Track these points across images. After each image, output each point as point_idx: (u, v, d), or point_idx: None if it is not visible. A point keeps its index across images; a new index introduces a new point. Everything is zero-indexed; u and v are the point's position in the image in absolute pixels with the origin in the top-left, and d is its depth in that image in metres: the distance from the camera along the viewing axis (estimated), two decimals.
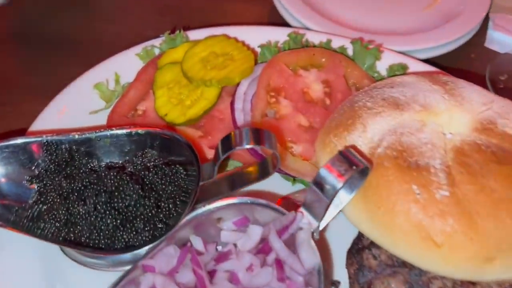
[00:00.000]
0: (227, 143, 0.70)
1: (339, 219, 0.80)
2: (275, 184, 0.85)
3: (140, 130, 0.79)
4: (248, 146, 0.69)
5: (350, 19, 1.13)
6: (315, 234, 0.69)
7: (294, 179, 0.86)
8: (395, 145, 0.72)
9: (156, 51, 1.01)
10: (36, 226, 0.74)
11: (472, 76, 0.90)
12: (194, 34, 1.02)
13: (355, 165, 0.66)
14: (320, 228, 0.70)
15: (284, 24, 1.14)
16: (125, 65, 0.99)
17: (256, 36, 1.00)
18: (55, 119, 0.92)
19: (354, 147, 0.72)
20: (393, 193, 0.68)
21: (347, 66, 0.95)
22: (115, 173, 0.73)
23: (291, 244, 0.69)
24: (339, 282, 0.79)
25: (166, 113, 0.89)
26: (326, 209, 0.68)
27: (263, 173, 0.77)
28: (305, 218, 0.69)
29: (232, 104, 0.89)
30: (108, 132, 0.78)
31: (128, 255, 0.74)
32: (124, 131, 0.78)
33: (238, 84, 0.91)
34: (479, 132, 0.73)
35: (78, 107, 0.94)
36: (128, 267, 0.75)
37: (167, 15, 1.24)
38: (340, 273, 0.78)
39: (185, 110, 0.89)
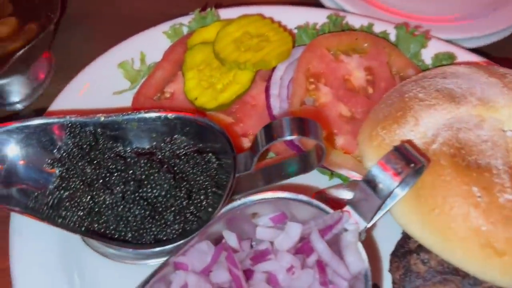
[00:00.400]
0: (269, 133, 0.64)
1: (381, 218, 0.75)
2: (310, 177, 0.79)
3: (170, 115, 0.73)
4: (292, 137, 0.63)
5: (391, 3, 1.05)
6: (362, 235, 0.64)
7: (332, 174, 0.80)
8: (451, 141, 0.65)
9: (185, 30, 0.94)
10: (56, 214, 0.69)
11: None
12: (226, 13, 0.95)
13: (412, 163, 0.60)
14: (368, 227, 0.64)
15: (318, 5, 1.07)
16: (152, 43, 0.93)
17: (293, 17, 0.93)
18: (76, 99, 0.86)
19: (409, 142, 0.66)
20: (451, 195, 0.62)
21: (391, 53, 0.88)
22: (145, 161, 0.68)
23: (334, 245, 0.64)
24: (378, 287, 0.73)
25: (196, 97, 0.82)
26: (377, 210, 0.62)
27: (305, 167, 0.71)
28: (351, 218, 0.64)
29: (267, 89, 0.83)
30: (136, 115, 0.72)
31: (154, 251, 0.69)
32: (153, 114, 0.72)
33: (273, 68, 0.85)
34: None
35: (100, 86, 0.88)
36: (152, 261, 0.71)
37: None
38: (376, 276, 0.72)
39: (216, 94, 0.83)
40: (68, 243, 0.73)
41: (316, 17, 0.94)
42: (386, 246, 0.73)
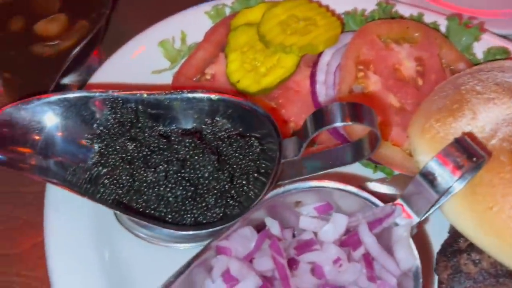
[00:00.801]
0: (320, 118, 0.61)
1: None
2: (352, 169, 0.76)
3: (213, 96, 0.70)
4: (344, 123, 0.60)
5: None
6: (413, 230, 0.61)
7: (376, 166, 0.77)
8: None
9: (227, 11, 0.92)
10: (94, 190, 0.67)
11: None
12: None
13: (474, 157, 0.56)
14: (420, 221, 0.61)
15: None
16: (193, 23, 0.90)
17: (340, 1, 0.90)
18: (115, 75, 0.84)
19: (470, 135, 0.62)
20: (510, 193, 0.59)
21: (442, 45, 0.84)
22: (189, 140, 0.65)
23: (382, 240, 0.61)
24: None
25: (238, 80, 0.80)
26: (432, 205, 0.59)
27: (357, 156, 0.68)
28: (404, 213, 0.60)
29: (312, 75, 0.80)
30: (179, 95, 0.70)
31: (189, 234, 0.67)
32: (196, 95, 0.70)
33: (319, 54, 0.82)
34: None
35: (140, 64, 0.86)
36: (185, 245, 0.69)
37: None
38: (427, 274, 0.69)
39: (259, 78, 0.80)
40: (102, 220, 0.72)
41: (364, 3, 0.90)
42: (431, 244, 0.70)
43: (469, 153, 0.57)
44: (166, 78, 0.86)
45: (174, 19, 0.91)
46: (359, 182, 0.75)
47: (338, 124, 0.60)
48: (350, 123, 0.60)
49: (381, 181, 0.76)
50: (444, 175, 0.56)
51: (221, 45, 0.87)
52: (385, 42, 0.82)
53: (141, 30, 0.90)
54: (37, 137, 0.67)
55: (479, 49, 0.88)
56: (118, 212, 0.71)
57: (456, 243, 0.66)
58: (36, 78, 0.82)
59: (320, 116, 0.61)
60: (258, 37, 0.83)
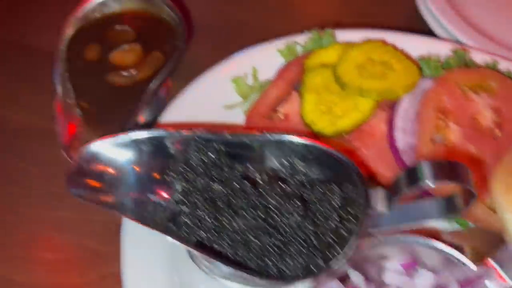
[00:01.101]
0: (414, 176, 0.60)
1: None
2: None
3: (299, 140, 0.69)
4: (442, 183, 0.59)
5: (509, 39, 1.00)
6: None
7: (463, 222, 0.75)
8: None
9: (299, 49, 0.92)
10: (174, 228, 0.67)
11: None
12: (343, 35, 0.92)
13: None
14: None
15: (428, 32, 1.02)
16: (264, 59, 0.91)
17: (414, 46, 0.89)
18: (188, 108, 0.85)
19: None
20: None
21: None
22: (276, 186, 0.65)
23: None
24: None
25: (313, 121, 0.80)
26: None
27: (447, 211, 0.66)
28: (497, 276, 0.59)
29: (390, 121, 0.79)
30: (264, 138, 0.70)
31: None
32: (282, 138, 0.69)
33: (396, 99, 0.81)
34: None
35: (212, 98, 0.87)
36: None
37: (297, 11, 1.14)
38: None
39: (335, 120, 0.80)
40: (177, 256, 0.72)
41: (438, 48, 0.90)
42: None
43: None
44: (238, 113, 0.87)
45: (246, 54, 0.91)
46: (432, 233, 0.74)
47: (435, 184, 0.59)
48: (448, 183, 0.59)
49: (457, 234, 0.75)
50: None
51: (293, 83, 0.87)
52: (463, 91, 0.81)
53: (213, 64, 0.90)
54: (116, 173, 0.67)
55: None
56: (192, 251, 0.71)
57: None
58: (113, 107, 0.83)
59: (415, 174, 0.60)
60: (333, 79, 0.83)
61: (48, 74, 0.91)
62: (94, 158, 0.67)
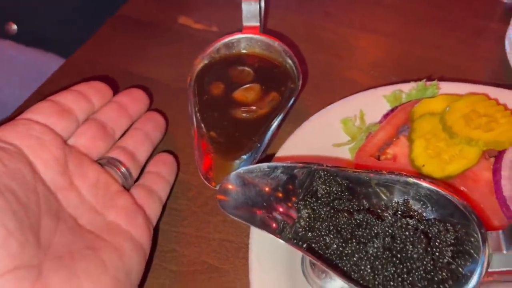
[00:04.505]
0: None
1: None
2: None
3: (424, 183, 0.76)
4: None
5: None
6: None
7: None
8: None
9: (403, 96, 1.00)
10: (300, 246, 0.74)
11: None
12: (446, 87, 1.00)
13: None
14: None
15: None
16: (371, 104, 0.99)
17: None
18: (300, 146, 0.93)
19: None
20: None
21: None
22: (397, 217, 0.72)
23: None
24: None
25: (423, 164, 0.87)
26: None
27: None
28: None
29: (496, 170, 0.85)
30: (385, 177, 0.77)
31: None
32: (407, 179, 0.76)
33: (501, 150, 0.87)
34: None
35: (322, 137, 0.95)
36: None
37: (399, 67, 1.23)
38: None
39: (443, 165, 0.86)
40: (294, 275, 0.79)
41: None
42: None
43: None
44: (345, 151, 0.95)
45: (354, 98, 1.00)
46: None
47: None
48: None
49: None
50: None
51: (399, 128, 0.94)
52: None
53: (319, 108, 0.99)
54: (250, 193, 0.76)
55: None
56: (307, 271, 0.78)
57: None
58: (237, 137, 0.93)
59: None
60: (441, 127, 0.90)
61: (169, 106, 1.02)
62: (233, 182, 0.76)
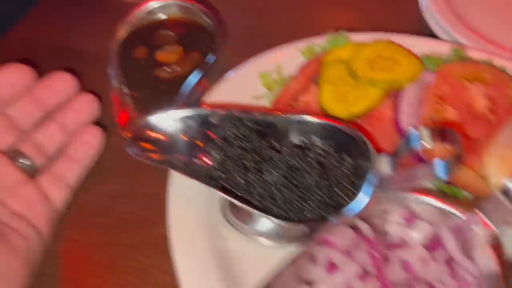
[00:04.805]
0: (412, 139, 0.73)
1: None
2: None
3: (318, 120, 0.83)
4: (434, 145, 0.71)
5: (503, 40, 1.13)
6: (492, 241, 0.70)
7: (449, 188, 0.87)
8: None
9: (317, 49, 1.06)
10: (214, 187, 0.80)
11: None
12: (356, 37, 1.06)
13: None
14: (498, 236, 0.71)
15: (432, 35, 1.16)
16: (287, 58, 1.05)
17: (419, 46, 1.02)
18: (220, 99, 0.99)
19: None
20: None
21: (511, 86, 0.95)
22: (295, 150, 0.78)
23: (464, 249, 0.70)
24: None
25: (330, 107, 0.93)
26: (508, 217, 0.69)
27: (440, 174, 0.78)
28: (482, 222, 0.70)
29: (396, 106, 0.92)
30: (288, 117, 0.83)
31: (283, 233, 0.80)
32: (303, 118, 0.83)
33: (402, 88, 0.94)
34: None
35: (241, 91, 1.01)
36: (285, 243, 0.80)
37: (314, 20, 1.29)
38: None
39: (349, 106, 0.93)
40: (214, 218, 0.85)
41: (439, 48, 1.03)
42: None
43: None
44: (264, 103, 1.01)
45: (271, 54, 1.06)
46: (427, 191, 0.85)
47: (429, 145, 0.72)
48: (440, 144, 0.71)
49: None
50: None
51: (312, 78, 1.01)
52: (460, 81, 0.93)
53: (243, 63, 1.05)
54: (168, 139, 0.82)
55: None
56: (225, 212, 0.85)
57: None
58: (158, 96, 0.98)
59: (413, 138, 0.73)
60: (347, 72, 0.96)
61: (98, 74, 1.06)
62: (149, 128, 0.82)
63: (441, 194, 0.83)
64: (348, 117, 0.92)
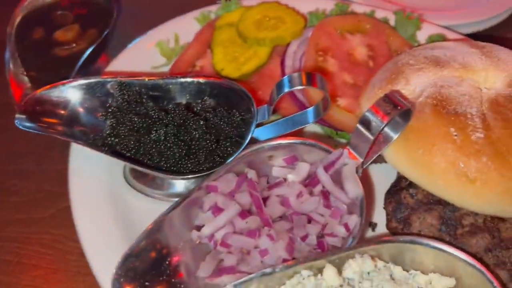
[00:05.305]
0: (282, 85, 0.79)
1: (378, 170, 0.89)
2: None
3: (201, 80, 0.88)
4: (301, 87, 0.77)
5: None
6: (359, 170, 0.77)
7: (337, 133, 0.94)
8: (435, 95, 0.79)
9: (212, 16, 1.10)
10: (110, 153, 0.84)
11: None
12: (248, 2, 1.10)
13: (398, 106, 0.73)
14: (364, 166, 0.77)
15: None
16: (184, 27, 1.09)
17: (305, 4, 1.08)
18: (122, 70, 1.02)
19: (398, 91, 0.79)
20: (432, 135, 0.75)
21: (390, 34, 1.02)
22: (182, 109, 0.83)
23: (337, 180, 0.77)
24: (375, 224, 0.86)
25: (222, 68, 0.98)
26: (370, 147, 0.76)
27: (315, 115, 0.85)
28: (350, 155, 0.77)
29: (282, 62, 0.97)
30: (174, 79, 0.87)
31: (182, 189, 0.85)
32: (188, 79, 0.87)
33: (288, 45, 1.00)
34: None
35: (141, 61, 1.04)
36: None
37: None
38: (378, 218, 0.85)
39: (240, 66, 0.98)
40: (115, 183, 0.88)
41: (325, 4, 1.09)
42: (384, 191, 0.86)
43: (395, 104, 0.74)
44: (165, 73, 1.05)
45: (168, 24, 1.09)
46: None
47: (298, 87, 0.78)
48: (306, 86, 0.77)
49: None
50: (376, 121, 0.73)
51: (207, 44, 1.05)
52: (340, 32, 1.00)
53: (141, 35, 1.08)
54: (63, 111, 0.84)
55: (422, 38, 1.06)
56: (127, 176, 0.88)
57: (399, 183, 0.83)
58: (56, 73, 1.00)
59: (282, 84, 0.78)
60: (237, 34, 1.01)
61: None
62: (43, 101, 0.84)
63: (319, 136, 0.90)
64: (240, 77, 0.97)
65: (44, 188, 0.98)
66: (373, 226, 0.86)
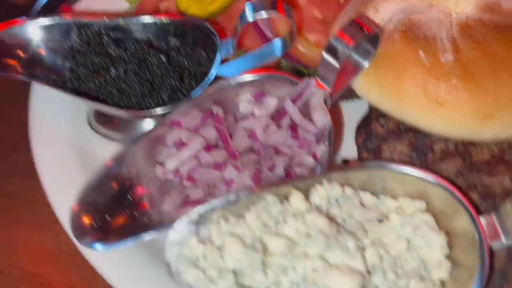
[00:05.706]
0: (245, 12, 0.75)
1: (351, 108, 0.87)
2: None
3: (164, 18, 0.84)
4: (266, 14, 0.74)
5: None
6: (327, 101, 0.75)
7: (307, 71, 0.91)
8: (404, 21, 0.76)
9: None
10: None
11: None
12: None
13: (365, 30, 0.71)
14: (334, 96, 0.75)
15: None
16: None
17: None
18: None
19: (364, 15, 0.77)
20: (402, 61, 0.73)
21: None
22: (143, 46, 0.79)
23: (305, 113, 0.75)
24: (348, 160, 0.84)
25: (187, 7, 0.94)
26: (338, 76, 0.73)
27: (283, 48, 0.82)
28: (318, 85, 0.75)
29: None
30: (135, 19, 0.84)
31: None
32: (150, 19, 0.84)
33: None
34: (484, 11, 0.77)
35: (104, 7, 1.00)
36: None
37: None
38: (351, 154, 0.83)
39: (206, 6, 0.94)
40: (78, 125, 0.86)
41: None
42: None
43: (362, 28, 0.71)
44: None
45: None
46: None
47: (263, 15, 0.74)
48: (270, 11, 0.74)
49: None
50: (342, 46, 0.70)
51: None
52: None
53: None
54: (22, 53, 0.81)
55: None
56: (91, 121, 0.86)
57: (369, 115, 0.81)
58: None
59: (245, 11, 0.75)
60: None
61: None
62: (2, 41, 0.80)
63: (285, 70, 0.87)
64: (207, 15, 0.93)
65: (6, 138, 0.95)
66: (346, 162, 0.84)
